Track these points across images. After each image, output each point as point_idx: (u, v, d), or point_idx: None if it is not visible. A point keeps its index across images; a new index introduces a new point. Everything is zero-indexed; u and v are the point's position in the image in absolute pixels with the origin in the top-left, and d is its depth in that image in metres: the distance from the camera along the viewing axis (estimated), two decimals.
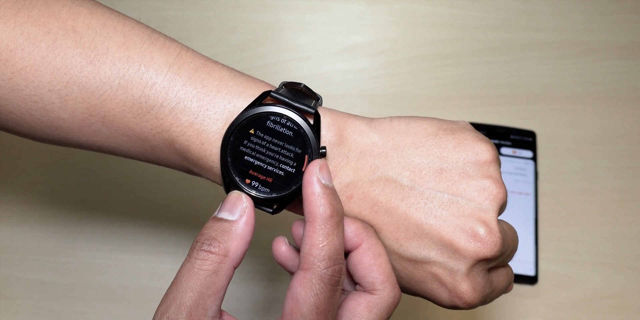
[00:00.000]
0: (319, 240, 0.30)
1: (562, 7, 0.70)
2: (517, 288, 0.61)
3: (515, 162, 0.64)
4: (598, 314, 0.60)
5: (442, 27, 0.69)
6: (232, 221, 0.32)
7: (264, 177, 0.33)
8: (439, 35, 0.69)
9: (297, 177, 0.33)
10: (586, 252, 0.62)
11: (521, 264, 0.61)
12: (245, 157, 0.33)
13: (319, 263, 0.30)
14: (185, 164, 0.35)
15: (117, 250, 0.60)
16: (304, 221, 0.34)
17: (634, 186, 0.65)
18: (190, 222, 0.61)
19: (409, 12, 0.69)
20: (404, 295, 0.37)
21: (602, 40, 0.69)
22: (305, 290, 0.30)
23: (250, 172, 0.33)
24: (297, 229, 0.35)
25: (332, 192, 0.32)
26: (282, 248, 0.36)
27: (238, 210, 0.32)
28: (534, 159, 0.65)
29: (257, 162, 0.33)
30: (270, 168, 0.33)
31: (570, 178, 0.65)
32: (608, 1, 0.70)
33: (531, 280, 0.61)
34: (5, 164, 0.63)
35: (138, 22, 0.35)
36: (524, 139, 0.65)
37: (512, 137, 0.65)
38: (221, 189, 0.35)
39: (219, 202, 0.33)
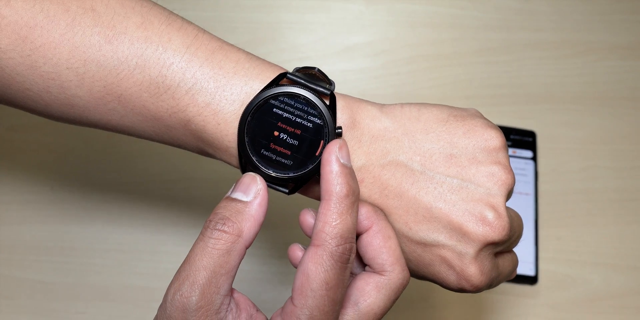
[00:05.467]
0: (332, 218, 0.31)
1: (562, 7, 0.70)
2: (517, 288, 0.61)
3: (515, 162, 0.64)
4: (598, 314, 0.60)
5: (442, 27, 0.69)
6: (246, 202, 0.32)
7: (281, 156, 0.34)
8: (439, 35, 0.69)
9: (313, 157, 0.34)
10: (586, 252, 0.62)
11: (521, 264, 0.61)
12: (264, 136, 0.34)
13: (330, 240, 0.31)
14: (199, 145, 0.35)
15: (116, 250, 0.60)
16: (312, 210, 0.35)
17: (634, 186, 0.65)
18: (190, 222, 0.61)
19: (409, 12, 0.69)
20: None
21: (602, 40, 0.69)
22: (316, 266, 0.31)
23: (268, 150, 0.34)
24: (304, 217, 0.35)
25: (349, 172, 0.32)
26: (298, 253, 0.36)
27: (252, 192, 0.32)
28: (534, 159, 0.65)
29: (275, 140, 0.34)
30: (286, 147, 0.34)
31: (570, 178, 0.65)
32: (608, 1, 0.70)
33: (531, 280, 0.61)
34: (5, 164, 0.63)
35: (155, 3, 0.35)
36: (524, 139, 0.65)
37: (512, 137, 0.65)
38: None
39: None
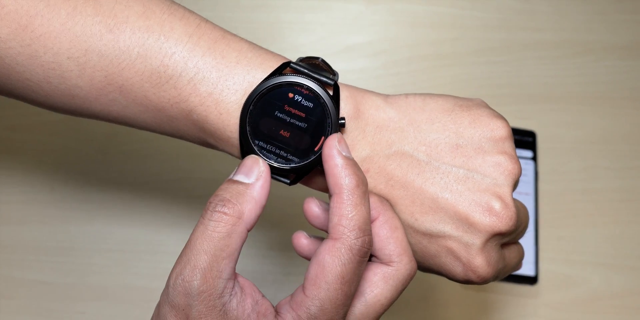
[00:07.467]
0: (347, 211, 0.31)
1: (562, 7, 0.70)
2: (517, 288, 0.61)
3: None
4: (598, 314, 0.60)
5: (442, 27, 0.69)
6: (248, 184, 0.32)
7: (283, 146, 0.34)
8: (439, 35, 0.69)
9: (315, 147, 0.33)
10: (586, 252, 0.62)
11: None
12: (266, 125, 0.33)
13: (349, 233, 0.30)
14: (201, 135, 0.35)
15: (117, 250, 0.60)
16: (316, 199, 0.35)
17: (634, 186, 0.65)
18: (190, 223, 0.61)
19: (409, 12, 0.69)
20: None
21: (602, 40, 0.69)
22: (333, 258, 0.30)
23: (270, 140, 0.33)
24: (309, 206, 0.35)
25: (354, 163, 0.32)
26: (303, 241, 0.36)
27: (254, 174, 0.32)
28: (534, 159, 0.65)
29: (277, 130, 0.34)
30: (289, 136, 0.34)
31: (570, 178, 0.65)
32: (608, 1, 0.70)
33: (531, 280, 0.61)
34: (5, 164, 0.63)
35: None
36: (524, 139, 0.65)
37: None
38: None
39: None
